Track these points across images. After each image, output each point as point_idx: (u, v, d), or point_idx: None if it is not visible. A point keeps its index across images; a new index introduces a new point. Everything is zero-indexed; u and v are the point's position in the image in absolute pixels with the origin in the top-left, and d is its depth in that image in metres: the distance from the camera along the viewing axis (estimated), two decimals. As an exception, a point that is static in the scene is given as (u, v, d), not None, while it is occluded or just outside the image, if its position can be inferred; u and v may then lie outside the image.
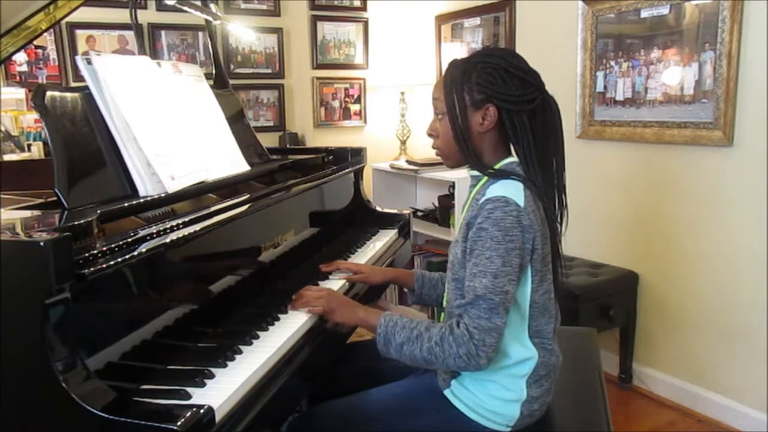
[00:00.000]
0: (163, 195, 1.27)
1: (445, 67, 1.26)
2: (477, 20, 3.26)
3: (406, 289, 1.62)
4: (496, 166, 1.23)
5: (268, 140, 3.21)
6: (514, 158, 1.24)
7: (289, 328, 1.26)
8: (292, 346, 1.22)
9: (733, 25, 2.06)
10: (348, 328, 1.45)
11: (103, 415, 0.85)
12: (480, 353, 1.10)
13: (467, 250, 1.17)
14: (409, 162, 3.42)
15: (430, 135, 1.32)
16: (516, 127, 1.19)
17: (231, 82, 1.98)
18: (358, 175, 2.18)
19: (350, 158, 2.11)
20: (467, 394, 1.24)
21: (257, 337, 1.21)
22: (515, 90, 1.18)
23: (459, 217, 1.33)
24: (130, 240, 1.03)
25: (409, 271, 1.62)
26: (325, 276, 1.59)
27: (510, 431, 1.24)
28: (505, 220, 1.12)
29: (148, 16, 3.28)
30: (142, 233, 1.06)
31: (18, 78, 3.09)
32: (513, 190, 1.16)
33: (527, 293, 1.20)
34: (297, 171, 1.86)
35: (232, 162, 1.60)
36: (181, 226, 1.16)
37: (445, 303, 1.34)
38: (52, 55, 3.14)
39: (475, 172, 1.26)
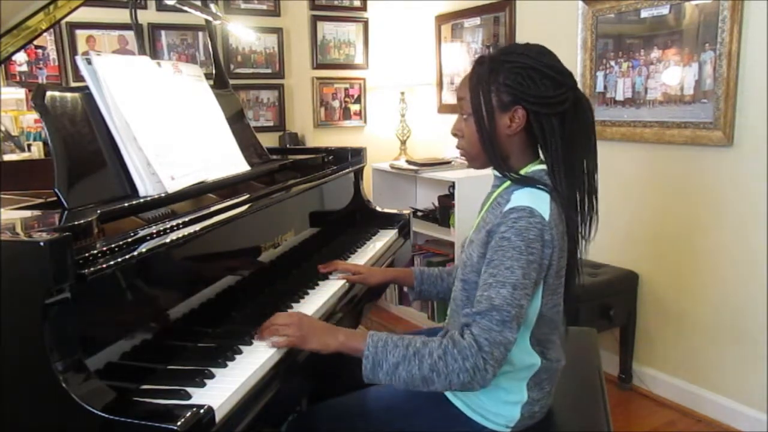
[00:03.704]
0: (163, 195, 1.27)
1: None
2: (477, 20, 3.26)
3: (405, 288, 1.61)
4: (523, 171, 1.19)
5: (268, 140, 3.22)
6: (542, 165, 1.19)
7: (289, 328, 1.26)
8: (292, 346, 1.22)
9: (733, 25, 2.06)
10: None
11: (103, 415, 0.85)
12: (488, 368, 1.04)
13: (486, 258, 1.12)
14: (409, 162, 3.42)
15: (455, 135, 1.26)
16: (545, 130, 1.14)
17: (231, 82, 1.99)
18: (358, 175, 2.17)
19: (350, 158, 2.11)
20: (467, 394, 1.23)
21: (257, 337, 1.21)
22: (546, 91, 1.13)
23: (475, 213, 1.28)
24: (130, 240, 1.03)
25: (407, 269, 1.60)
26: (325, 276, 1.59)
27: (510, 432, 1.24)
28: (529, 231, 1.08)
29: (148, 16, 3.27)
30: (142, 233, 1.06)
31: (18, 78, 3.09)
32: (539, 201, 1.12)
33: (537, 307, 1.17)
34: (297, 171, 1.86)
35: (232, 162, 1.60)
36: (181, 226, 1.16)
37: (451, 302, 1.31)
38: (52, 55, 3.14)
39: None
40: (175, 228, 1.14)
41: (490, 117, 1.16)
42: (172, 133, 1.39)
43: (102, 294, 0.98)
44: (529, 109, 1.14)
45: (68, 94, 1.24)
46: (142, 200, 1.23)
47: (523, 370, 1.21)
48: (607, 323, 2.42)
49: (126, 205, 1.18)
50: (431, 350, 1.07)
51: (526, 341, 1.20)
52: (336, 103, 3.75)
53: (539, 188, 1.15)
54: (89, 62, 1.27)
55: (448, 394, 1.26)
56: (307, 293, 1.47)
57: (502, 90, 1.15)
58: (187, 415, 0.86)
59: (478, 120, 1.17)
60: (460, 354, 1.04)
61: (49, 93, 1.19)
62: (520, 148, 1.20)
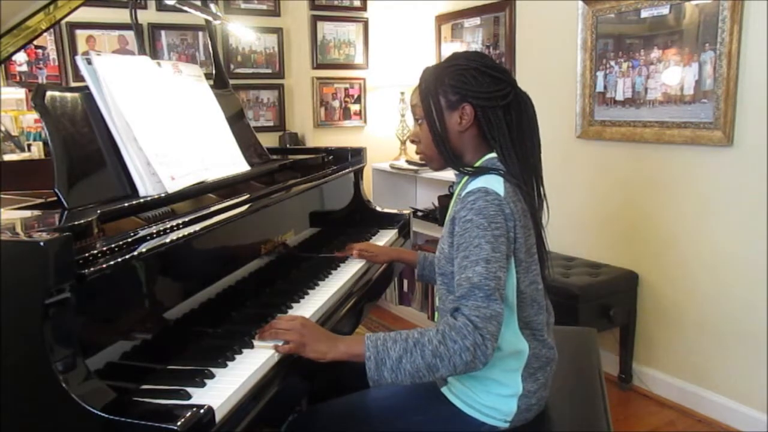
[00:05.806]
0: (163, 195, 1.27)
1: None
2: (477, 20, 3.26)
3: (408, 281, 1.65)
4: (476, 164, 1.26)
5: (268, 140, 3.22)
6: (493, 155, 1.26)
7: (289, 328, 1.26)
8: (292, 346, 1.22)
9: (733, 25, 2.06)
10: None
11: (103, 415, 0.85)
12: (486, 343, 1.06)
13: (455, 245, 1.18)
14: (409, 162, 3.42)
15: (413, 141, 1.36)
16: (492, 123, 1.23)
17: (231, 82, 1.99)
18: (358, 175, 2.18)
19: (350, 158, 2.11)
20: (464, 391, 1.24)
21: (257, 337, 1.21)
22: (488, 87, 1.22)
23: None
24: (130, 240, 1.03)
25: (413, 252, 1.72)
26: (324, 276, 1.59)
27: (508, 427, 1.24)
28: (488, 208, 1.14)
29: (148, 16, 3.28)
30: (142, 233, 1.06)
31: (18, 78, 3.09)
32: (493, 182, 1.18)
33: (513, 284, 1.20)
34: (297, 171, 1.86)
35: (232, 162, 1.60)
36: (181, 226, 1.16)
37: (437, 301, 1.34)
38: (52, 55, 3.14)
39: None
40: (175, 228, 1.15)
41: (441, 117, 1.25)
42: (172, 133, 1.39)
43: (102, 294, 0.98)
44: (475, 105, 1.23)
45: (68, 94, 1.24)
46: (142, 200, 1.23)
47: (514, 357, 1.23)
48: (607, 323, 2.42)
49: (126, 205, 1.18)
50: (430, 338, 1.09)
51: (514, 324, 1.22)
52: (336, 103, 3.75)
53: (492, 173, 1.21)
54: (89, 62, 1.27)
55: (446, 392, 1.26)
56: (308, 293, 1.47)
57: (448, 91, 1.24)
58: (187, 415, 0.86)
59: (430, 122, 1.26)
60: (458, 335, 1.07)
61: (49, 93, 1.19)
62: (472, 144, 1.27)
